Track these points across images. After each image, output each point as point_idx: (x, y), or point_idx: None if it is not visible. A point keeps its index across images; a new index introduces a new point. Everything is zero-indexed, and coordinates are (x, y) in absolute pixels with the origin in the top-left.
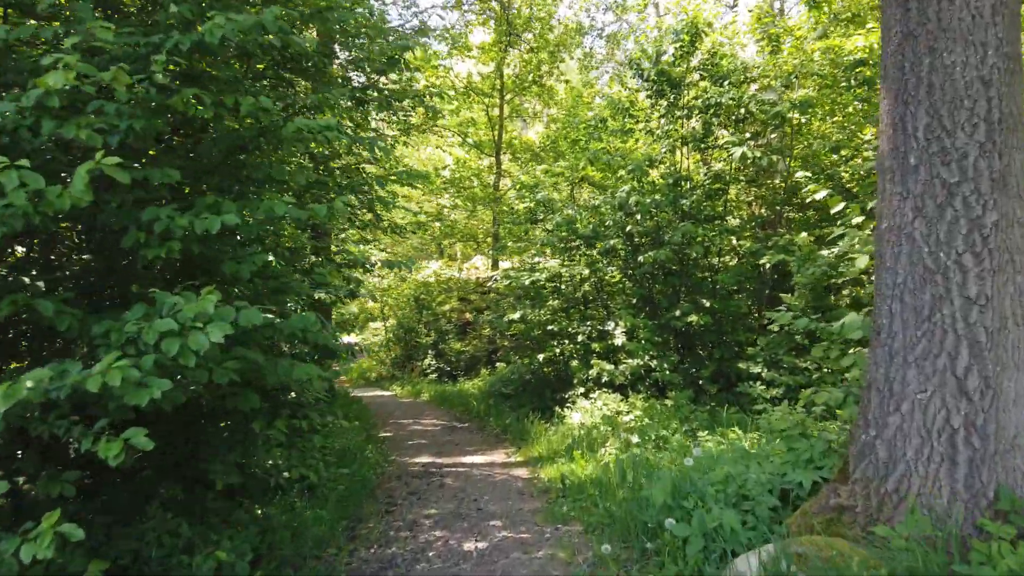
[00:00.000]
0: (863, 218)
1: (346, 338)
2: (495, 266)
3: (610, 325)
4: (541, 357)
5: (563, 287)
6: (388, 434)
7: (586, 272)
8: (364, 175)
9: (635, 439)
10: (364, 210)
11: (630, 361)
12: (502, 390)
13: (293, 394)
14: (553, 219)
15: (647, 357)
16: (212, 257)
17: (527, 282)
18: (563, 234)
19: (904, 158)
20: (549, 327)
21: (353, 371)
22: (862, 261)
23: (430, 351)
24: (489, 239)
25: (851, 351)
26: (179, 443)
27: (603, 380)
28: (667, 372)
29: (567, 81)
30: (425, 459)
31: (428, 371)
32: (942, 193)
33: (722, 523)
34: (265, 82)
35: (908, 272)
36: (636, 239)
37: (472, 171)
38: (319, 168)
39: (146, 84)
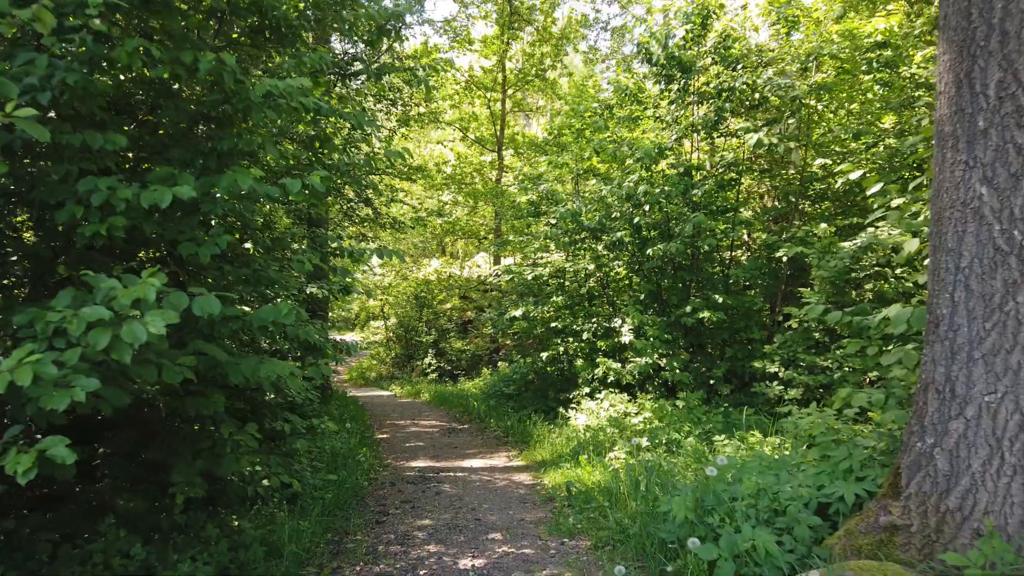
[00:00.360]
0: (903, 199)
1: (348, 336)
2: (497, 263)
3: (616, 322)
4: (544, 356)
5: (567, 283)
6: (384, 436)
7: (591, 267)
8: (351, 157)
9: (645, 442)
10: (361, 205)
11: (638, 360)
12: (503, 390)
13: (271, 395)
14: (557, 211)
15: (656, 355)
16: (171, 239)
17: (530, 277)
18: (568, 226)
19: (970, 121)
20: (552, 324)
21: (353, 370)
22: (911, 245)
23: (430, 350)
24: (491, 235)
25: (889, 348)
26: (139, 450)
27: (609, 380)
28: (677, 371)
29: (571, 74)
30: (422, 463)
31: (428, 370)
32: (1017, 160)
33: (755, 544)
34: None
35: (975, 254)
36: (644, 232)
37: (474, 166)
38: (304, 147)
39: (82, 33)
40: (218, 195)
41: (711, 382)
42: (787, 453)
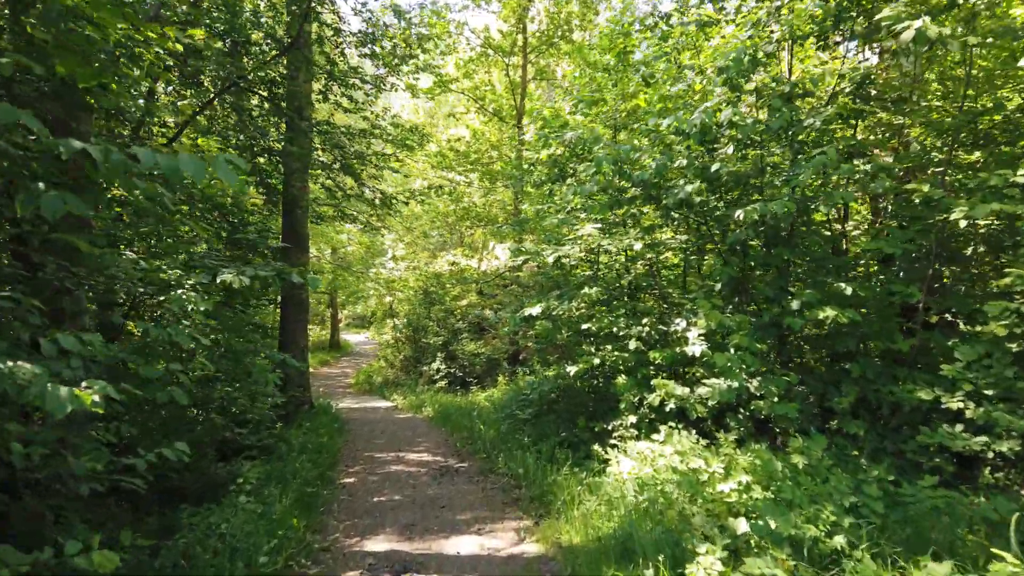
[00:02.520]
0: None
1: (361, 336)
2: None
3: (679, 324)
4: (572, 370)
5: (603, 269)
6: (351, 480)
7: (639, 246)
8: None
9: (743, 527)
10: (340, 173)
11: (716, 382)
12: (518, 414)
13: None
14: (592, 158)
15: (744, 376)
16: None
17: (551, 259)
18: (610, 182)
19: None
20: (584, 326)
21: (361, 373)
22: None
23: (439, 353)
24: (510, 220)
25: None
26: None
27: (668, 408)
28: (776, 402)
29: (602, 33)
30: (382, 543)
31: (437, 377)
32: None
33: None
34: None
35: None
36: (723, 187)
37: (491, 144)
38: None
39: None
40: None
41: (818, 411)
42: None
